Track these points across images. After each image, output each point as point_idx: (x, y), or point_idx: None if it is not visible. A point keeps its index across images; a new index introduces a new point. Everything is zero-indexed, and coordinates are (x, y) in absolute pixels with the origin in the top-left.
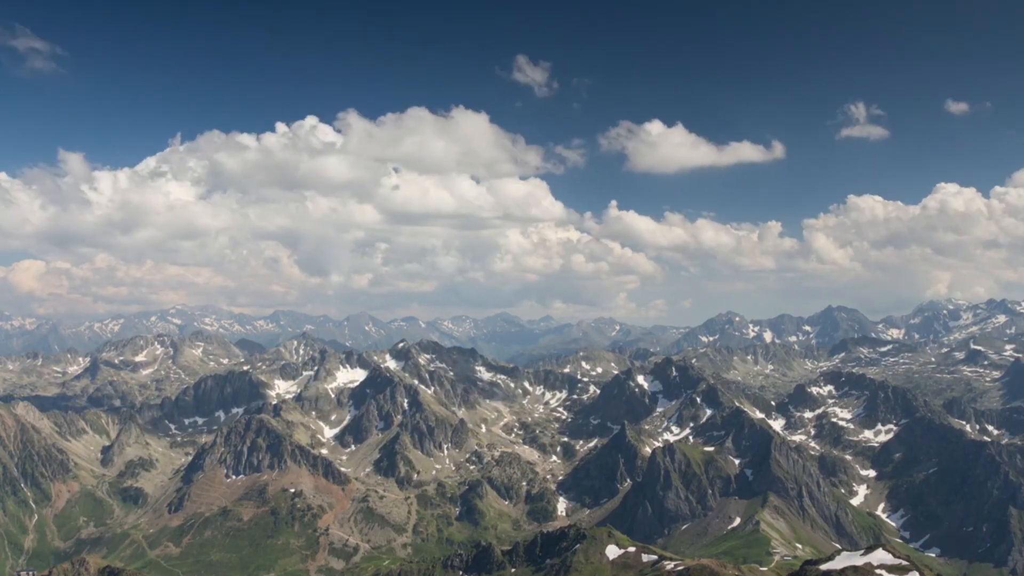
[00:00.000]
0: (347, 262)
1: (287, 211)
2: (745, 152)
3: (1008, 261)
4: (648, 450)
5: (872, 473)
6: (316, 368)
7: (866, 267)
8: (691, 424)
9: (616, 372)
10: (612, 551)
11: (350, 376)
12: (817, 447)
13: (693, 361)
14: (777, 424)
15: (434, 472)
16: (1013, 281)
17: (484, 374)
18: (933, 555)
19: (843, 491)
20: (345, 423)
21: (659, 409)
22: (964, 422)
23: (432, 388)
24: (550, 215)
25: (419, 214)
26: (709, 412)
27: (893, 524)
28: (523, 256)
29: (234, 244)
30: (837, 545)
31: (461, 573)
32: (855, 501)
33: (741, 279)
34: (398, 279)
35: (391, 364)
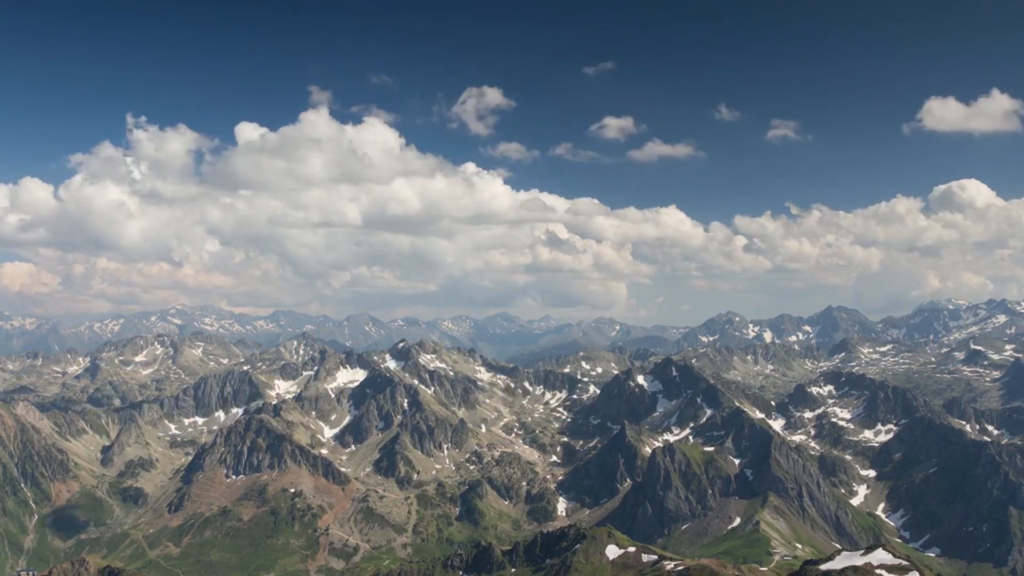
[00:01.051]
0: (318, 259)
1: (244, 211)
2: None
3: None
4: (648, 450)
5: (872, 473)
6: (316, 368)
7: (838, 265)
8: (691, 424)
9: (616, 372)
10: (612, 551)
11: (350, 376)
12: (817, 447)
13: (693, 361)
14: (777, 424)
15: (434, 472)
16: (995, 275)
17: (484, 374)
18: (933, 555)
19: (843, 491)
20: (345, 423)
21: (659, 409)
22: (964, 422)
23: (432, 388)
24: (509, 208)
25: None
26: (709, 412)
27: (893, 524)
28: (491, 250)
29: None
30: (837, 545)
31: (461, 573)
32: (855, 501)
33: (725, 278)
34: (383, 280)
35: (391, 364)
